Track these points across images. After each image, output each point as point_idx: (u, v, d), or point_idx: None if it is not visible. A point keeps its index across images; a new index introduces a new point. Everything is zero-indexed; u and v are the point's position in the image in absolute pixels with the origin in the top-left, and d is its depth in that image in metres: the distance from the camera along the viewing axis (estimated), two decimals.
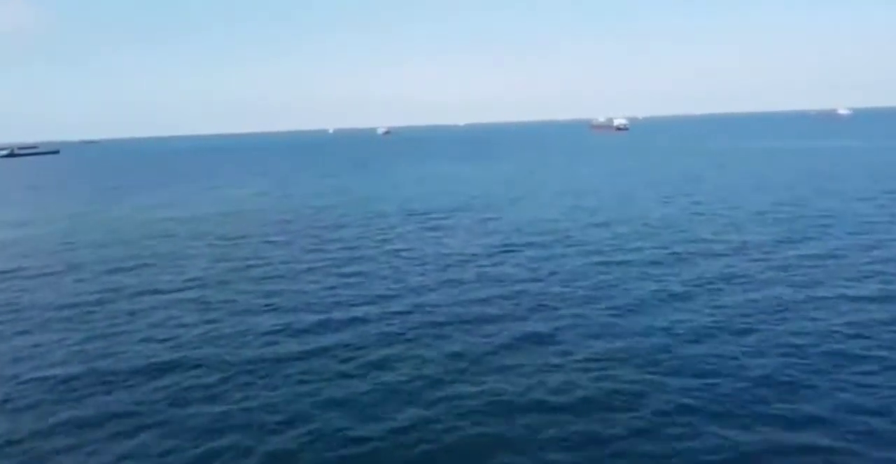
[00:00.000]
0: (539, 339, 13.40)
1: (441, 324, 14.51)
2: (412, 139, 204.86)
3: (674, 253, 20.75)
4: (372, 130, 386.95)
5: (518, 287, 17.29)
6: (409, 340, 13.57)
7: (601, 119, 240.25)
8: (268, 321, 15.16)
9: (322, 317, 15.35)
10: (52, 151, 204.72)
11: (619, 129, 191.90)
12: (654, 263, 19.59)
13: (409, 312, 15.48)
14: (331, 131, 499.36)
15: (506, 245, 23.25)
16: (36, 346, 14.16)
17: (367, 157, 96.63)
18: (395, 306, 15.97)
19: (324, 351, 13.09)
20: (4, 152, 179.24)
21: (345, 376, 11.86)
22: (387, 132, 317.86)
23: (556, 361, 12.20)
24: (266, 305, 16.53)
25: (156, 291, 18.42)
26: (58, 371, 12.59)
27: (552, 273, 18.71)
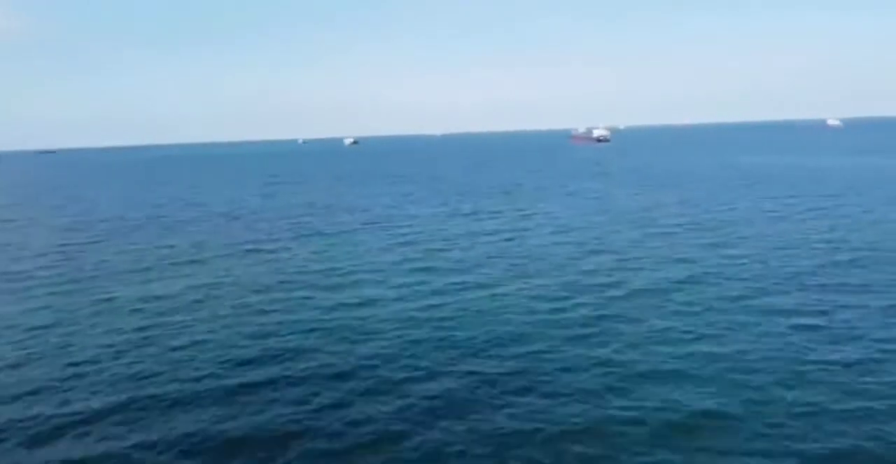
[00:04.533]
0: None
1: None
2: (379, 151, 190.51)
3: None
4: (340, 141, 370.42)
5: None
6: None
7: (581, 129, 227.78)
8: None
9: None
10: None
11: (599, 140, 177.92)
12: None
13: None
14: (301, 141, 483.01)
15: None
16: None
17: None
18: None
19: None
20: None
21: None
22: (354, 142, 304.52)
23: None
24: None
25: None
26: None
27: None
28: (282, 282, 21.40)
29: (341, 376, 12.98)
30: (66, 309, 18.79)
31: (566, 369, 12.85)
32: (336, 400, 11.89)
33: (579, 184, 53.89)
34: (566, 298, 18.10)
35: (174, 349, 14.98)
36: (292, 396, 12.14)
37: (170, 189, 66.82)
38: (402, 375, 12.93)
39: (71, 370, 13.83)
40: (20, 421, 11.42)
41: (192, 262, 25.31)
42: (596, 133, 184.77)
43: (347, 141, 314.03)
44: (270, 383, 12.80)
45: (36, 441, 10.73)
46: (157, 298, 19.75)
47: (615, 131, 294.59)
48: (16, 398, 12.42)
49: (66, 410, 11.80)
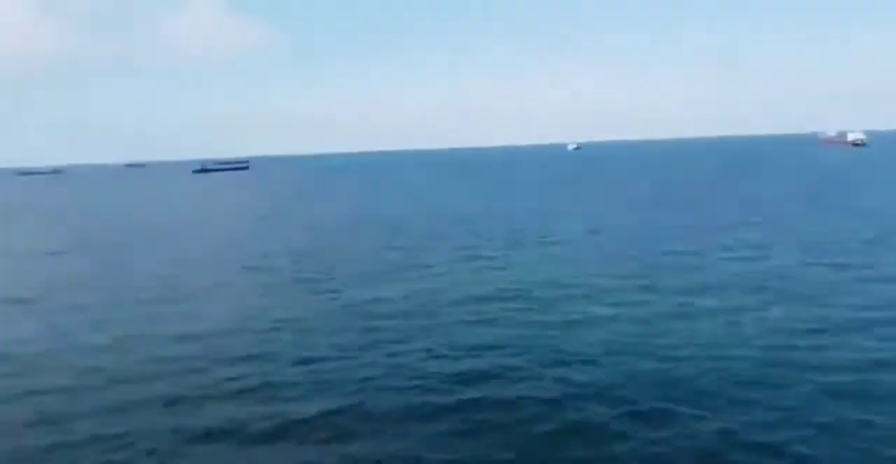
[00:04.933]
0: None
1: None
2: (601, 156, 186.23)
3: None
4: (563, 146, 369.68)
5: None
6: None
7: (831, 133, 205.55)
8: None
9: None
10: (242, 166, 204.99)
11: (855, 144, 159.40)
12: None
13: None
14: (521, 145, 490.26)
15: None
16: None
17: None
18: None
19: None
20: (197, 167, 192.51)
21: None
22: (577, 148, 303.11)
23: None
24: None
25: None
26: None
27: None
28: (500, 290, 21.12)
29: (550, 405, 12.05)
30: (301, 305, 20.43)
31: (827, 431, 10.48)
32: (545, 432, 11.01)
33: (834, 194, 46.64)
34: (821, 332, 15.21)
35: (390, 355, 15.28)
36: (501, 419, 11.53)
37: (400, 192, 71.79)
38: (615, 412, 11.60)
39: (301, 368, 14.73)
40: (251, 417, 12.26)
41: (415, 266, 26.15)
42: (851, 137, 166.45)
43: (570, 147, 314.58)
44: (479, 402, 12.33)
45: (255, 440, 11.34)
46: (379, 300, 20.58)
47: (872, 135, 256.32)
48: (251, 391, 13.49)
49: (290, 408, 12.46)
